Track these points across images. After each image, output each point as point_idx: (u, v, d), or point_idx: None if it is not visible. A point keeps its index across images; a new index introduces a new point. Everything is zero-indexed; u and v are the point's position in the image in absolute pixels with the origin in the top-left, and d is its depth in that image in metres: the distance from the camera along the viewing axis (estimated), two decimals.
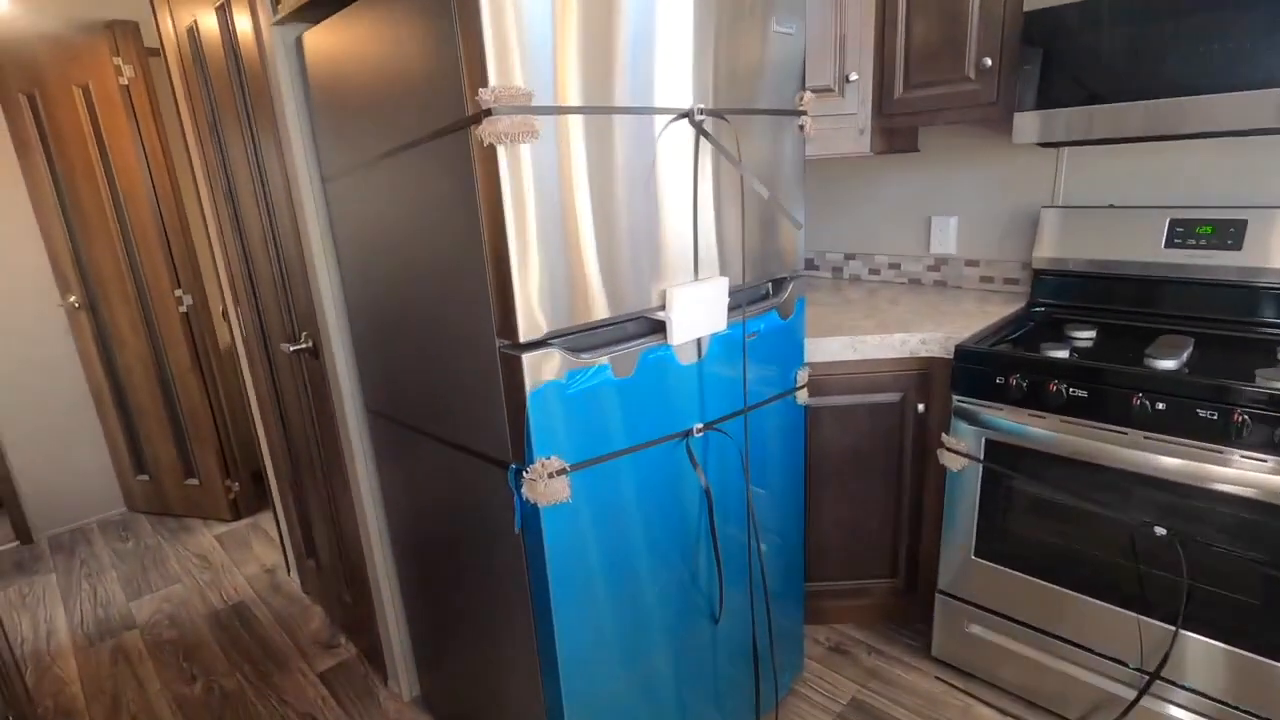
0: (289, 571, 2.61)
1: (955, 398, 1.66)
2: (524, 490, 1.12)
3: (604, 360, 1.16)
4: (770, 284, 1.52)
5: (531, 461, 1.10)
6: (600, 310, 1.14)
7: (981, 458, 1.63)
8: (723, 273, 1.33)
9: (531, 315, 1.05)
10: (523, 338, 1.06)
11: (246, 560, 2.77)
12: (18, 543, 3.05)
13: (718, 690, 1.54)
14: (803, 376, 1.59)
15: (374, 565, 1.83)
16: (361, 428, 1.73)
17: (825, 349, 1.77)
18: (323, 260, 1.60)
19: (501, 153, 0.97)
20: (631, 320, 1.23)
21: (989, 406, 1.61)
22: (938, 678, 1.83)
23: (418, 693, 1.94)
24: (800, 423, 1.63)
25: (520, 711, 1.39)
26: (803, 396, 1.60)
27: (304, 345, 1.78)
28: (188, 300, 2.83)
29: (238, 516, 3.12)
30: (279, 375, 2.09)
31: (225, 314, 2.37)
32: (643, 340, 1.22)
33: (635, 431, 1.23)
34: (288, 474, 2.30)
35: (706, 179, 1.26)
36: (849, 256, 2.54)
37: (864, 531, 1.94)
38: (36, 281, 2.97)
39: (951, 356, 1.68)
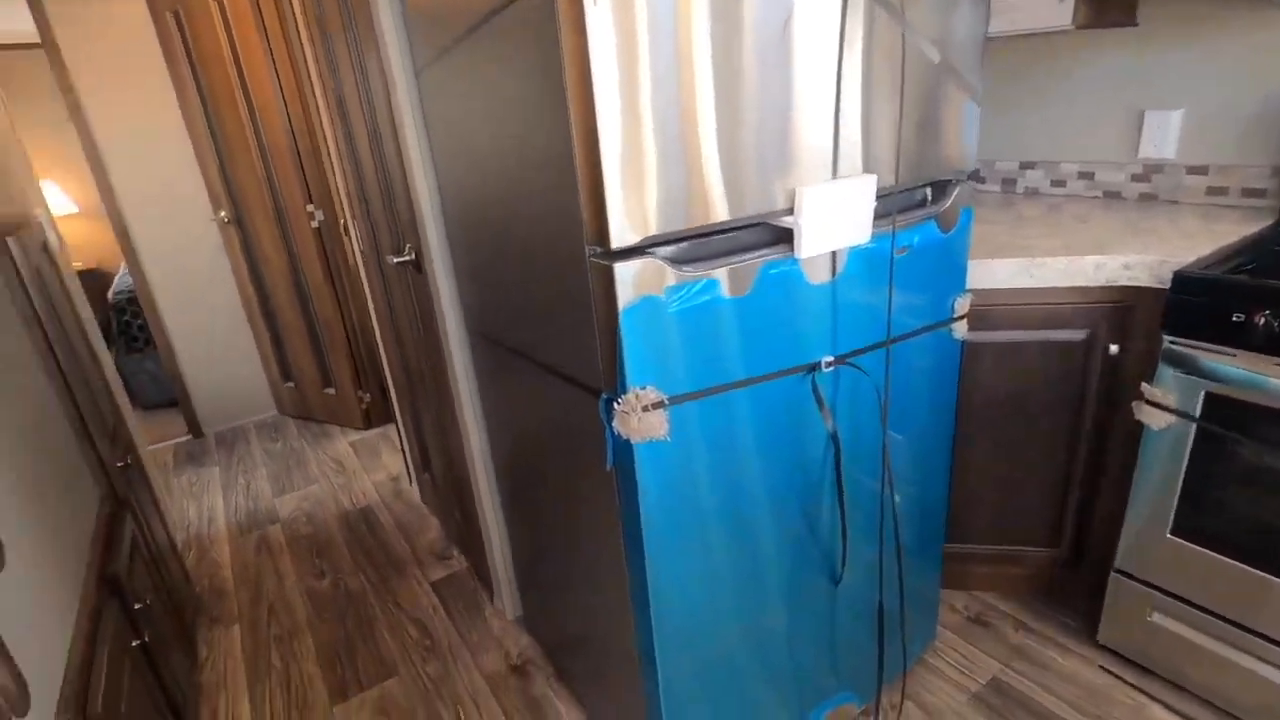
0: (410, 482, 2.71)
1: (1167, 339, 1.30)
2: (615, 424, 0.97)
3: (714, 274, 0.96)
4: (929, 188, 1.23)
5: (624, 392, 0.95)
6: (712, 213, 0.94)
7: (1196, 415, 1.28)
8: (868, 170, 1.07)
9: (626, 217, 0.87)
10: (615, 244, 0.88)
11: (375, 467, 2.91)
12: (190, 436, 3.41)
13: (835, 653, 1.37)
14: (962, 305, 1.31)
15: (478, 486, 1.80)
16: (464, 347, 1.66)
17: (991, 273, 1.46)
18: (419, 163, 1.50)
19: (589, 5, 0.77)
20: (750, 227, 1.01)
21: (1215, 351, 1.24)
22: (1103, 667, 1.55)
23: (520, 613, 1.93)
24: (954, 360, 1.36)
25: (614, 652, 1.30)
26: (960, 329, 1.32)
27: (408, 257, 1.71)
28: (319, 216, 2.91)
29: (369, 425, 3.28)
30: (391, 291, 2.07)
31: (346, 229, 2.38)
32: (763, 252, 1.01)
33: (749, 362, 1.03)
34: (405, 389, 2.33)
35: (855, 46, 0.99)
36: (1026, 166, 2.11)
37: (1022, 491, 1.64)
38: (193, 197, 3.17)
39: (1166, 286, 1.32)
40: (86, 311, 2.16)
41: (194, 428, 3.39)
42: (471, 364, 1.67)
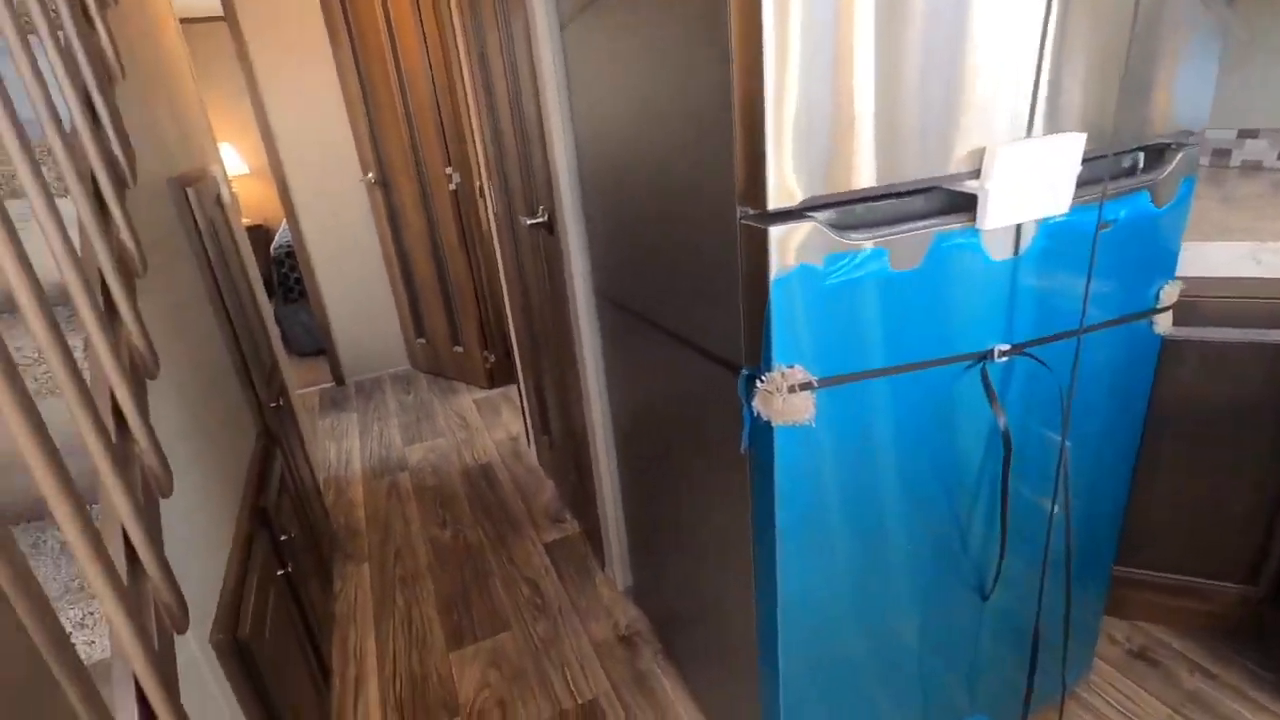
0: (528, 443, 2.77)
1: None
2: (755, 403, 0.89)
3: (879, 243, 0.85)
4: (1140, 153, 1.04)
5: (768, 369, 0.86)
6: (882, 173, 0.82)
7: None
8: (1070, 128, 0.90)
9: (786, 174, 0.78)
10: (772, 204, 0.79)
11: (496, 426, 3.00)
12: (333, 384, 3.67)
13: (973, 672, 1.24)
14: (1169, 294, 1.11)
15: (596, 453, 1.79)
16: (591, 311, 1.63)
17: (1202, 258, 1.23)
18: (558, 122, 1.46)
19: None
20: (923, 192, 0.89)
21: None
22: None
23: (630, 584, 1.92)
24: (1150, 358, 1.16)
25: (729, 638, 1.24)
26: (1164, 323, 1.12)
27: (540, 219, 1.70)
28: (456, 178, 2.99)
29: (492, 385, 3.39)
30: (522, 253, 2.08)
31: (481, 190, 2.42)
32: (937, 221, 0.88)
33: (911, 345, 0.92)
34: (529, 351, 2.36)
35: None
36: (1246, 134, 1.79)
37: (1216, 516, 1.41)
38: (345, 160, 3.36)
39: None
40: (251, 261, 2.34)
41: (337, 376, 3.65)
42: (597, 328, 1.64)
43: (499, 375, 3.39)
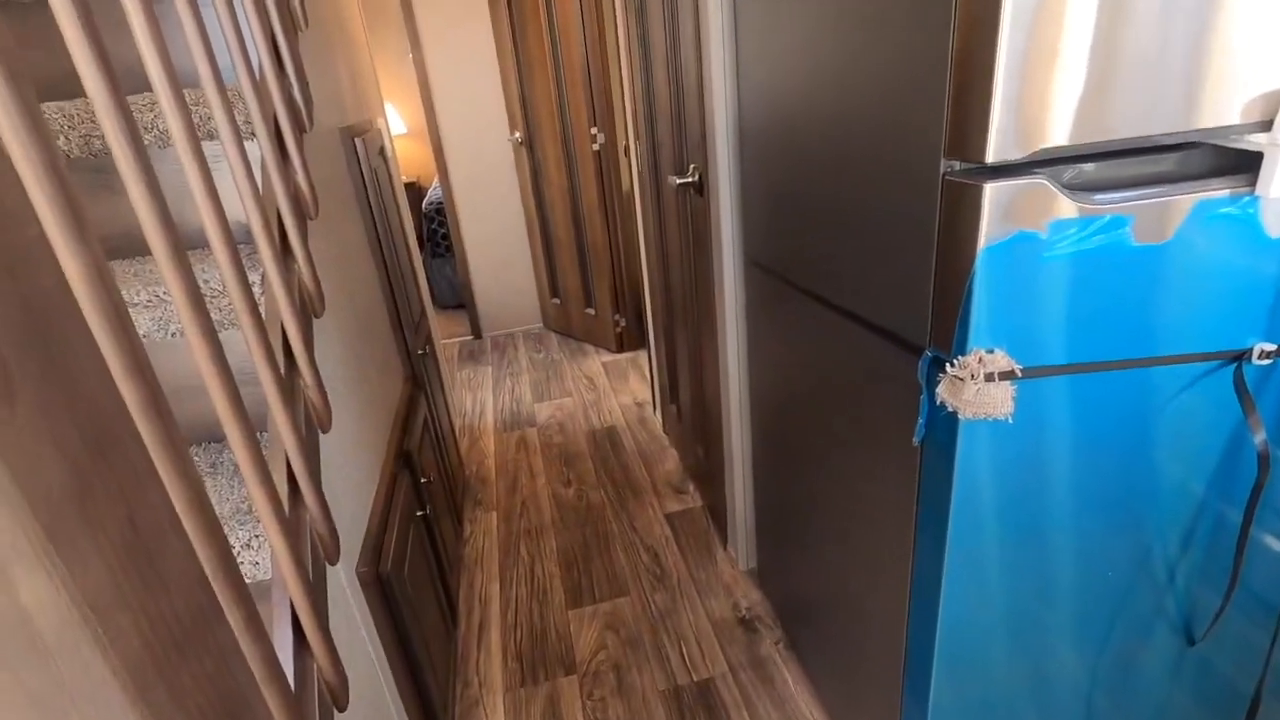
0: (655, 409, 2.74)
1: None
2: (941, 390, 0.77)
3: (1121, 210, 0.70)
4: None
5: (962, 351, 0.74)
6: (1131, 121, 0.67)
7: None
8: None
9: (1011, 120, 0.65)
10: (992, 156, 0.66)
11: (623, 390, 3.00)
12: (472, 337, 3.83)
13: None
14: None
15: (728, 425, 1.71)
16: (737, 277, 1.54)
17: None
18: (720, 71, 1.37)
19: None
20: (1180, 148, 0.72)
21: None
22: None
23: (753, 565, 1.84)
24: None
25: (868, 644, 1.14)
26: None
27: (690, 179, 1.62)
28: (600, 138, 2.97)
29: (621, 349, 3.39)
30: (665, 214, 2.01)
31: (627, 150, 2.37)
32: (1197, 184, 0.71)
33: (1145, 335, 0.76)
34: (663, 316, 2.31)
35: None
36: None
37: None
38: (495, 120, 3.44)
39: None
40: (407, 214, 2.45)
41: (475, 329, 3.80)
42: (743, 296, 1.55)
43: (628, 340, 3.39)
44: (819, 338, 1.14)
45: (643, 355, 3.35)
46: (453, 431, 2.34)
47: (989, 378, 0.74)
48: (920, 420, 0.83)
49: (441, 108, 3.37)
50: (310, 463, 0.85)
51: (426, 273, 4.35)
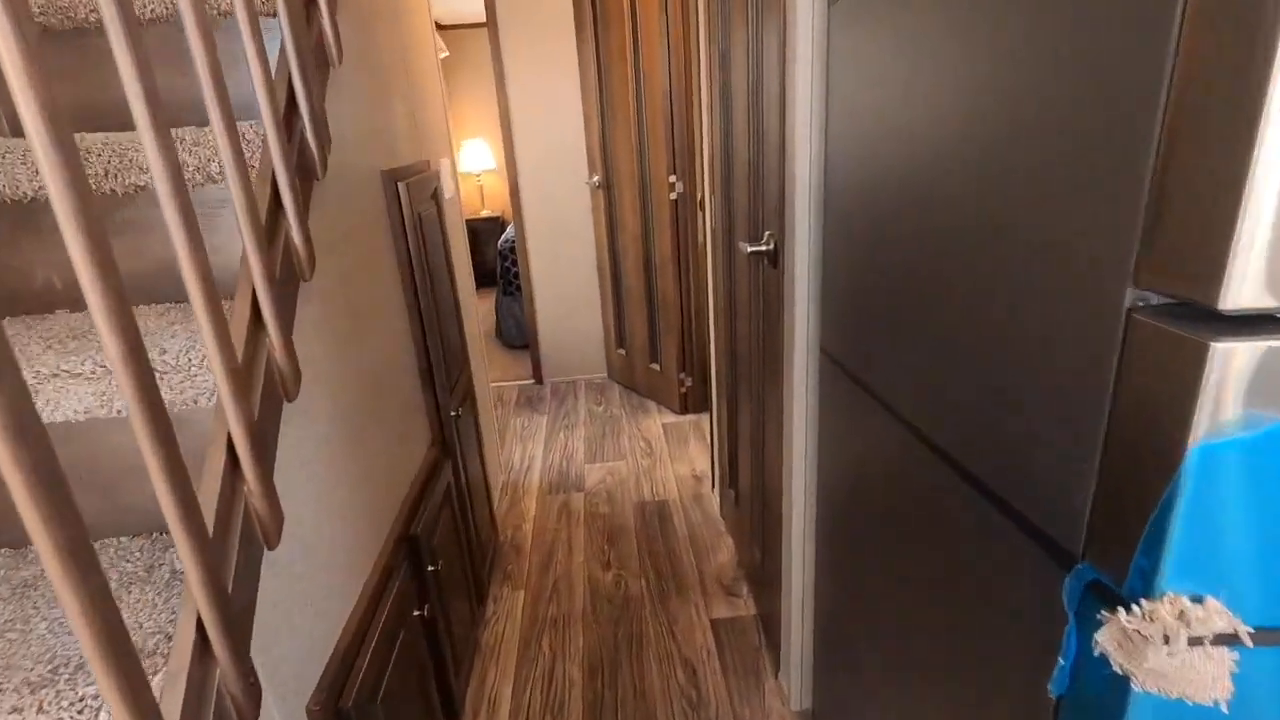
0: (713, 487, 2.47)
1: None
2: (1104, 639, 0.49)
3: None
4: None
5: (1146, 589, 0.47)
6: None
7: None
8: None
9: (1267, 248, 0.39)
10: (1231, 300, 0.40)
11: (681, 458, 2.75)
12: (533, 381, 3.69)
13: None
14: None
15: (789, 533, 1.43)
16: (810, 368, 1.28)
17: None
18: (806, 127, 1.14)
19: None
20: None
21: None
22: None
23: (808, 706, 1.53)
24: None
25: None
26: None
27: (764, 247, 1.38)
28: (679, 187, 2.78)
29: (684, 411, 3.15)
30: (736, 279, 1.78)
31: (703, 202, 2.17)
32: None
33: None
34: (727, 386, 2.06)
35: None
36: None
37: None
38: (574, 161, 3.33)
39: None
40: (465, 258, 2.33)
41: (537, 373, 3.66)
42: (816, 389, 1.29)
43: (693, 401, 3.14)
44: (907, 471, 0.87)
45: (706, 420, 3.09)
46: (488, 493, 2.16)
47: (1194, 641, 0.45)
48: (1062, 663, 0.55)
49: (521, 145, 3.29)
50: (222, 612, 0.65)
51: (498, 311, 4.29)
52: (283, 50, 1.01)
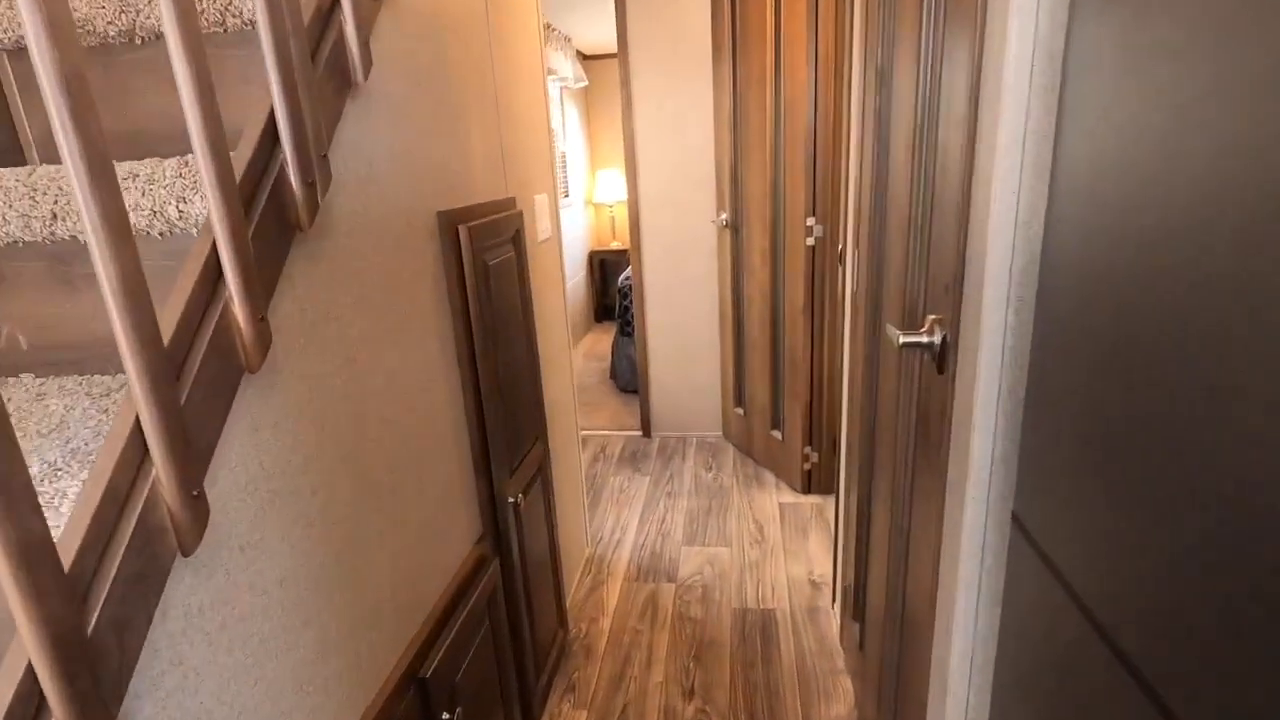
0: (832, 603, 2.00)
1: None
2: None
3: None
4: None
5: None
6: None
7: None
8: None
9: None
10: None
11: (797, 554, 2.29)
12: (640, 433, 3.37)
13: None
14: None
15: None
16: (987, 539, 0.84)
17: None
18: (1011, 172, 0.72)
19: None
20: None
21: None
22: None
23: None
24: None
25: None
26: None
27: (926, 338, 0.96)
28: (817, 231, 2.36)
29: (807, 490, 2.68)
30: (882, 366, 1.35)
31: (843, 255, 1.75)
32: None
33: None
34: (859, 485, 1.60)
35: None
36: None
37: None
38: (701, 198, 3.00)
39: None
40: (559, 306, 2.05)
41: (645, 425, 3.34)
42: (999, 569, 0.84)
43: (818, 481, 2.67)
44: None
45: (832, 506, 2.60)
46: (558, 586, 1.84)
47: None
48: None
49: (646, 176, 3.02)
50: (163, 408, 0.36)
51: (614, 351, 4.03)
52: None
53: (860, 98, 1.48)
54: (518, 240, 1.55)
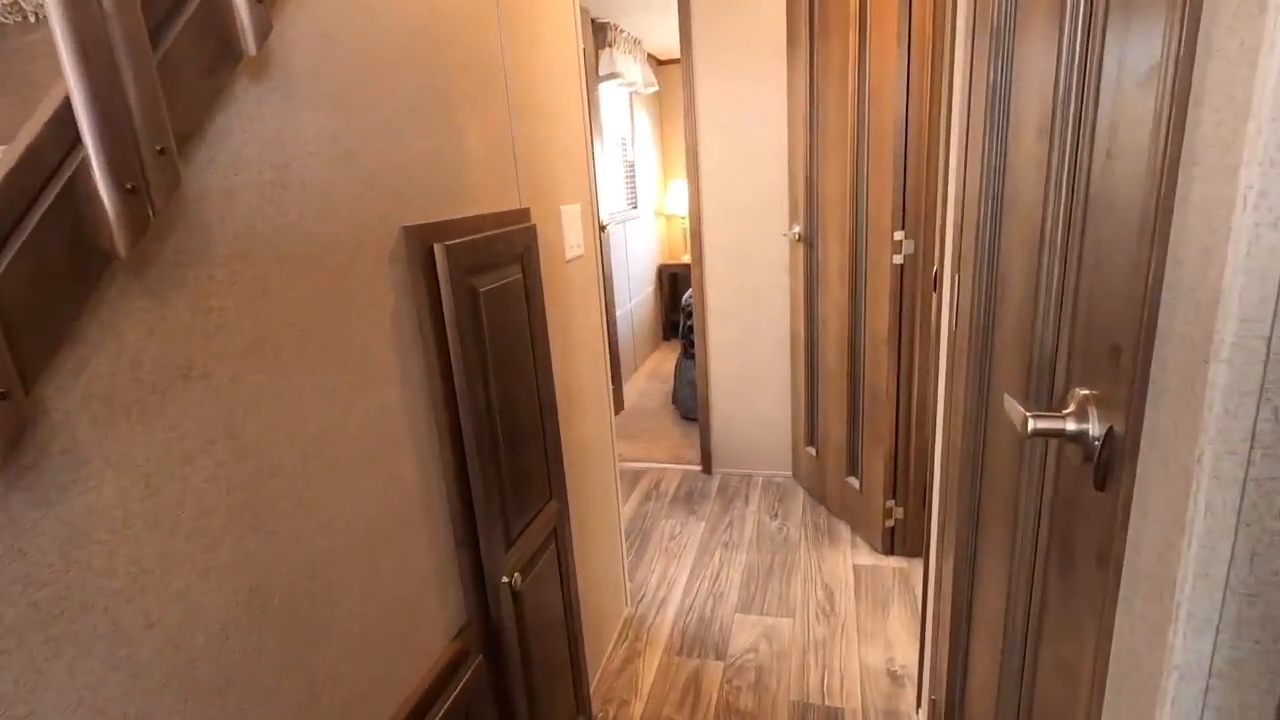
0: (916, 708, 1.61)
1: None
2: None
3: None
4: None
5: None
6: None
7: None
8: None
9: None
10: None
11: (874, 634, 1.91)
12: (700, 468, 3.05)
13: None
14: None
15: None
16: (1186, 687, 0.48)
17: None
18: (1257, 165, 0.37)
19: None
20: None
21: None
22: None
23: None
24: None
25: None
26: None
27: (1069, 425, 0.61)
28: (906, 248, 1.99)
29: (889, 550, 2.28)
30: (992, 429, 0.99)
31: (937, 280, 1.38)
32: None
33: None
34: (956, 561, 1.23)
35: None
36: None
37: None
38: (770, 208, 2.66)
39: None
40: (593, 328, 1.78)
41: (705, 460, 3.01)
42: None
43: (902, 540, 2.26)
44: None
45: (918, 570, 2.19)
46: (577, 671, 1.55)
47: None
48: None
49: (709, 183, 2.71)
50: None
51: (677, 374, 3.73)
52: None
53: (965, 74, 1.13)
54: (527, 259, 1.28)
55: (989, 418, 0.98)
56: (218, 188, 0.66)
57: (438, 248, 1.00)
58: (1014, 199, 0.86)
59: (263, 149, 0.71)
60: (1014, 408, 0.67)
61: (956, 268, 1.16)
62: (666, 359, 4.87)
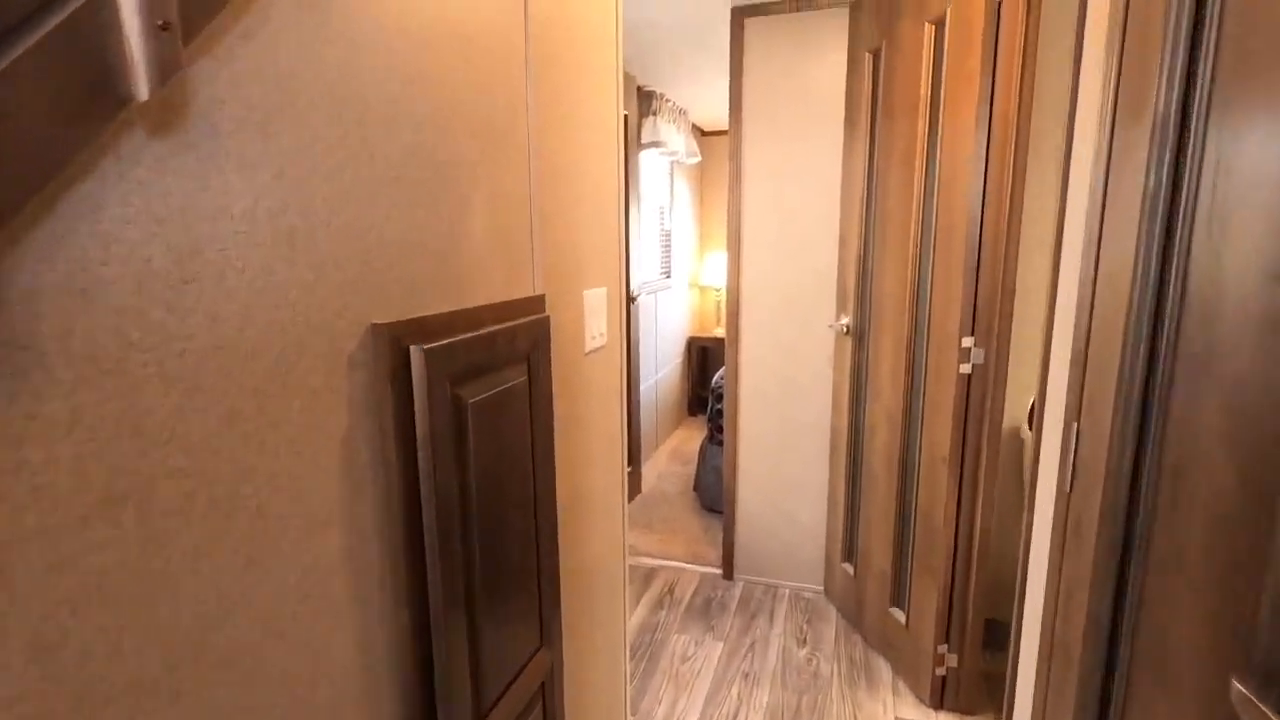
0: None
1: None
2: None
3: None
4: None
5: None
6: None
7: None
8: None
9: None
10: None
11: None
12: (720, 572, 2.74)
13: None
14: None
15: None
16: None
17: None
18: None
19: None
20: None
21: None
22: None
23: None
24: None
25: None
26: None
27: None
28: (975, 357, 1.74)
29: (939, 704, 1.94)
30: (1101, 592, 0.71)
31: (1032, 415, 1.13)
32: None
33: None
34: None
35: None
36: None
37: None
38: (816, 294, 2.45)
39: None
40: (612, 422, 1.54)
41: (727, 563, 2.71)
42: None
43: (955, 694, 1.93)
44: None
45: None
46: None
47: None
48: None
49: (751, 262, 2.52)
50: None
51: (702, 457, 3.46)
52: None
53: (1094, 170, 0.90)
54: (535, 358, 1.06)
55: (1096, 560, 0.71)
56: (60, 286, 0.45)
57: (415, 351, 0.78)
58: (1207, 355, 0.62)
59: (156, 228, 0.51)
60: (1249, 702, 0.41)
61: (1076, 414, 0.91)
62: (691, 437, 4.61)
